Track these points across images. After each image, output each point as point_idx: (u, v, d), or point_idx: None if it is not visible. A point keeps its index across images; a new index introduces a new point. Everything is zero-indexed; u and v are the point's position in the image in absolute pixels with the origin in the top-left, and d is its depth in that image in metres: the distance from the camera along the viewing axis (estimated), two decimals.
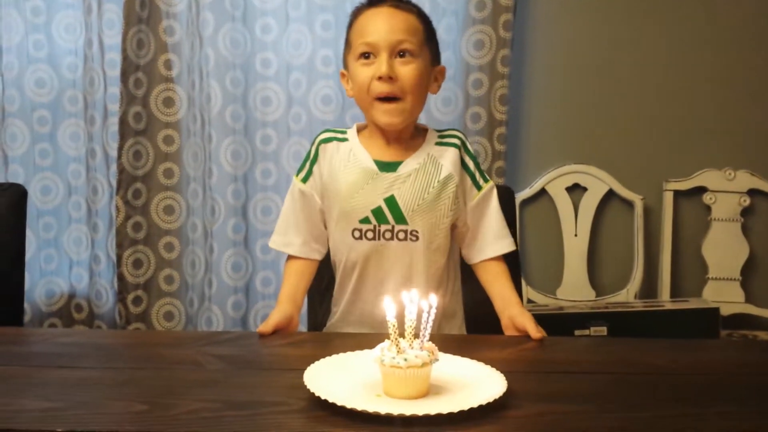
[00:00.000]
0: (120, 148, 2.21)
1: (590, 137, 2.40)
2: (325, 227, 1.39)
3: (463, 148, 1.37)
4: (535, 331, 1.25)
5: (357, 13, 1.35)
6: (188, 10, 2.20)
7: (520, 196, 2.36)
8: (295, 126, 2.27)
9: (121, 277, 2.25)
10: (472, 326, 1.46)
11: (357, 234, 1.33)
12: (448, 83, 2.25)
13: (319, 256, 1.41)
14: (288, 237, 1.39)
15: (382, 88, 1.28)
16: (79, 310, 2.35)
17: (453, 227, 1.38)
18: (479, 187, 1.37)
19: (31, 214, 2.13)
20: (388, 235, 1.32)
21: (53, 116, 2.29)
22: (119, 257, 2.24)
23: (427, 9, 2.24)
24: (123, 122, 2.20)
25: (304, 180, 1.37)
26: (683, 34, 2.37)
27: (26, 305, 2.25)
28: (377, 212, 1.32)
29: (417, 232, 1.32)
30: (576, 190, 2.39)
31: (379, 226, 1.32)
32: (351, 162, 1.34)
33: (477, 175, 1.37)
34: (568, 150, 2.39)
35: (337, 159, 1.35)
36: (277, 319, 1.29)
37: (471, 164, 1.37)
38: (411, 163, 1.33)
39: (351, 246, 1.34)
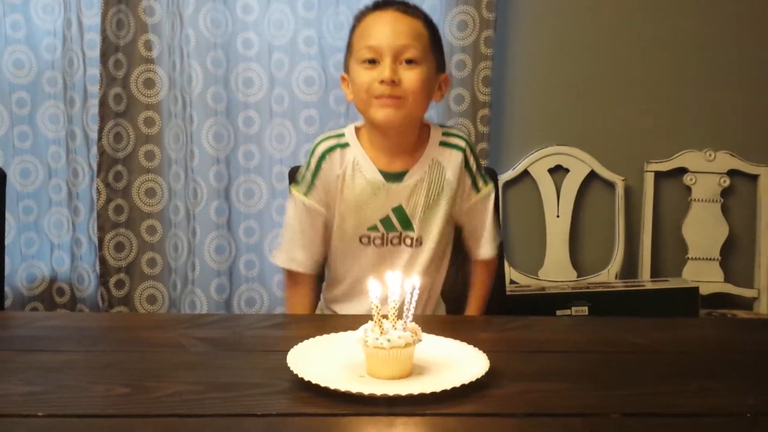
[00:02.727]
0: (100, 130, 2.18)
1: (572, 119, 2.41)
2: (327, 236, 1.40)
3: (468, 150, 1.36)
4: None
5: (361, 16, 1.33)
6: None
7: (503, 177, 2.36)
8: (277, 107, 2.25)
9: (103, 261, 2.23)
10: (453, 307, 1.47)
11: (365, 240, 1.34)
12: None
13: (319, 270, 1.41)
14: (293, 253, 1.37)
15: (383, 89, 1.26)
16: (61, 294, 2.33)
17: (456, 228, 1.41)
18: (478, 190, 1.38)
19: (10, 198, 2.10)
20: (395, 241, 1.35)
21: (32, 98, 2.25)
22: (101, 240, 2.23)
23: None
24: (103, 104, 2.17)
25: (306, 193, 1.35)
26: (665, 17, 2.37)
27: (7, 289, 2.23)
28: (385, 221, 1.34)
29: (422, 238, 1.35)
30: (558, 172, 2.40)
31: (387, 233, 1.34)
32: (357, 173, 1.33)
33: (478, 177, 1.37)
34: (551, 131, 2.40)
35: (344, 170, 1.33)
36: None
37: (474, 167, 1.37)
38: (417, 172, 1.33)
39: (355, 252, 1.35)
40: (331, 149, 1.34)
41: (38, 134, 2.28)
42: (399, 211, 1.33)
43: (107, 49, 2.15)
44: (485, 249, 1.41)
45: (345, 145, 1.34)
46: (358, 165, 1.33)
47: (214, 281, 2.29)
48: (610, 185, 2.41)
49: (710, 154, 2.39)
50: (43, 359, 1.01)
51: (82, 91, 2.22)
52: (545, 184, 2.39)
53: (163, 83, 2.22)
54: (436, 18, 2.18)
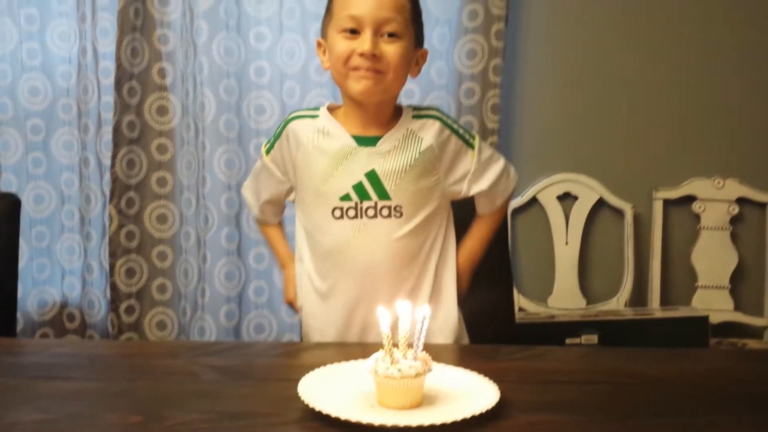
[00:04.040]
0: (113, 157, 2.21)
1: (581, 146, 2.42)
2: (288, 196, 1.41)
3: (443, 115, 1.34)
4: None
5: None
6: (182, 18, 2.21)
7: (512, 204, 2.37)
8: None
9: (113, 287, 2.25)
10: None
11: (338, 213, 1.28)
12: (440, 92, 2.26)
13: (277, 220, 1.48)
14: (258, 209, 1.45)
15: (362, 62, 1.24)
16: (71, 320, 2.34)
17: (454, 195, 1.36)
18: (470, 145, 1.34)
19: (23, 223, 2.12)
20: (371, 212, 1.28)
21: (47, 125, 2.29)
22: (112, 266, 2.24)
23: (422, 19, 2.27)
24: (116, 131, 2.20)
25: (267, 151, 1.37)
26: (673, 44, 2.39)
27: (18, 314, 2.24)
28: (358, 188, 1.28)
29: (401, 207, 1.29)
30: (567, 199, 2.41)
31: (361, 203, 1.27)
32: (325, 141, 1.30)
33: (464, 134, 1.34)
34: (559, 159, 2.41)
35: (308, 139, 1.31)
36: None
37: (456, 127, 1.34)
38: (390, 138, 1.30)
39: (329, 228, 1.29)
40: (298, 117, 1.34)
41: (52, 160, 2.31)
42: (372, 176, 1.27)
43: (121, 77, 2.19)
44: (497, 201, 1.40)
45: (315, 117, 1.33)
46: (327, 132, 1.30)
47: (223, 307, 2.30)
48: (619, 213, 2.42)
49: (719, 182, 2.39)
50: (56, 387, 1.02)
51: (96, 118, 2.25)
52: (554, 211, 2.40)
53: (176, 110, 2.25)
54: (445, 46, 2.25)
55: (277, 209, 1.46)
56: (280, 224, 1.50)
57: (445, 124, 1.33)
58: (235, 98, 2.25)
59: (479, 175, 1.35)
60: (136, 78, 2.21)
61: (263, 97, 2.26)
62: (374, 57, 1.23)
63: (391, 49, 1.25)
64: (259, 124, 2.27)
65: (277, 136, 1.35)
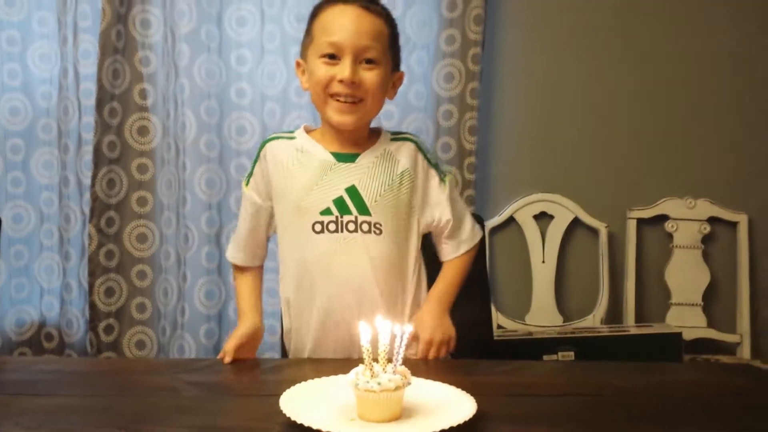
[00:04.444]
0: (94, 177, 2.21)
1: (557, 167, 2.47)
2: (267, 231, 1.39)
3: (420, 144, 1.37)
4: (421, 349, 1.31)
5: (324, 5, 1.31)
6: (164, 41, 2.23)
7: (490, 224, 2.41)
8: None
9: (92, 306, 2.24)
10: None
11: (318, 227, 1.30)
12: (419, 114, 2.31)
13: (261, 262, 1.43)
14: (235, 250, 1.41)
15: (341, 89, 1.27)
16: (49, 339, 2.33)
17: (427, 227, 1.38)
18: (444, 181, 1.37)
19: (2, 243, 2.11)
20: (351, 226, 1.30)
21: (26, 144, 2.29)
22: (91, 285, 2.24)
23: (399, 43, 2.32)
24: (97, 151, 2.21)
25: (247, 182, 1.38)
26: (647, 69, 2.46)
27: None
28: (339, 202, 1.30)
29: (380, 224, 1.31)
30: (543, 218, 2.45)
31: (342, 217, 1.29)
32: (304, 157, 1.33)
33: (438, 163, 1.39)
34: (536, 179, 2.46)
35: (287, 157, 1.34)
36: (244, 331, 1.31)
37: (432, 158, 1.38)
38: (369, 156, 1.33)
39: (310, 243, 1.30)
40: (275, 138, 1.37)
41: (31, 180, 2.30)
42: (353, 191, 1.30)
43: (102, 98, 2.20)
44: (461, 248, 1.39)
45: (292, 138, 1.36)
46: (306, 150, 1.33)
47: (203, 326, 2.30)
48: (594, 232, 2.46)
49: (691, 202, 2.45)
50: (39, 403, 1.02)
51: (77, 138, 2.26)
52: (531, 230, 2.44)
53: (157, 131, 2.26)
54: (423, 70, 2.29)
55: (258, 242, 1.41)
56: (259, 271, 1.43)
57: (419, 147, 1.38)
58: (216, 119, 2.27)
59: (448, 206, 1.38)
60: (117, 99, 2.22)
61: (244, 118, 2.28)
62: (353, 84, 1.27)
63: (369, 76, 1.29)
64: (239, 145, 2.29)
65: (254, 162, 1.37)
